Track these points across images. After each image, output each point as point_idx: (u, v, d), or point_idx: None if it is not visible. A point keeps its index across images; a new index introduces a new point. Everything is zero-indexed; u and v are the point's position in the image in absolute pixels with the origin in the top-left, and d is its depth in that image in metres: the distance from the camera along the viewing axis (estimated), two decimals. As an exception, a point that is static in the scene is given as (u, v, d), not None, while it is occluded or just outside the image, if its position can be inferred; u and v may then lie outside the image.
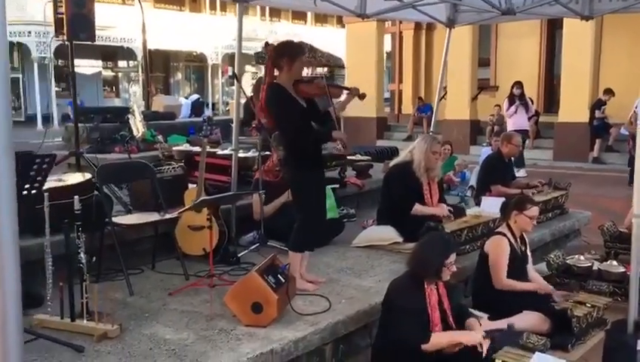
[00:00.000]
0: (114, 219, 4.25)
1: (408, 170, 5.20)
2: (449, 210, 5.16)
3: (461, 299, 3.71)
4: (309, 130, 4.12)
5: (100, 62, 31.91)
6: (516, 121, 11.78)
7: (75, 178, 4.57)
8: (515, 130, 11.68)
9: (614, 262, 4.86)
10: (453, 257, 3.43)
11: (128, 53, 29.27)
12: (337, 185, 6.32)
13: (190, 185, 5.52)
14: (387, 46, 19.21)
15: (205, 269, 4.52)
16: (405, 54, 18.40)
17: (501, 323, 4.06)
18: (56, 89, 29.35)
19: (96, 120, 7.51)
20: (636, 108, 9.74)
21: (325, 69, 8.70)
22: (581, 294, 4.31)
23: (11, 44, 27.63)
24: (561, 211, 6.45)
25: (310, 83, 4.23)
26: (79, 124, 7.76)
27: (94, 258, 4.31)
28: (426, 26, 17.36)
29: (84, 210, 4.24)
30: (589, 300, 4.19)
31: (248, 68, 28.69)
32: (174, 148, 6.64)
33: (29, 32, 26.99)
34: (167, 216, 4.06)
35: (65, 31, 5.05)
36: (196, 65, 33.28)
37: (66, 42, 5.29)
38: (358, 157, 7.58)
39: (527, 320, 4.06)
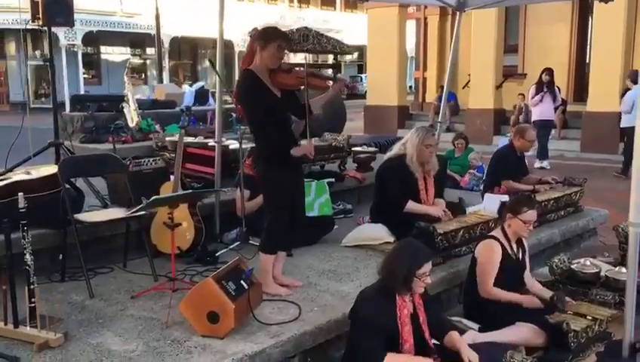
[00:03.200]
0: (80, 216, 4.01)
1: (402, 164, 4.84)
2: (444, 210, 4.78)
3: (439, 311, 3.36)
4: (283, 123, 3.79)
5: (128, 50, 32.01)
6: (542, 110, 11.24)
7: (44, 171, 4.34)
8: (540, 120, 11.23)
9: (624, 269, 4.41)
10: (426, 267, 3.08)
11: (153, 41, 29.26)
12: (333, 179, 5.98)
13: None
14: (411, 32, 18.70)
15: (180, 269, 4.29)
16: (430, 41, 17.85)
17: (491, 336, 3.73)
18: (85, 76, 29.64)
19: (92, 108, 7.30)
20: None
21: (331, 57, 8.35)
22: (582, 305, 3.91)
23: (40, 31, 27.81)
24: (574, 209, 6.00)
25: (288, 72, 3.89)
26: (74, 113, 7.63)
27: (61, 256, 4.13)
28: (451, 12, 16.79)
29: (52, 205, 4.04)
30: (590, 312, 3.79)
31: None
32: (167, 139, 6.39)
33: (58, 19, 27.07)
34: (128, 213, 3.78)
35: (40, 16, 4.80)
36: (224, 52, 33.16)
37: (42, 28, 5.02)
38: (362, 148, 7.24)
39: (520, 332, 3.70)
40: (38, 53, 30.13)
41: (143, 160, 4.90)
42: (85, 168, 4.21)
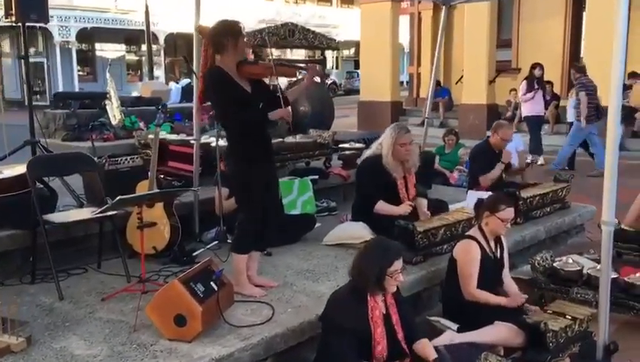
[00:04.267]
0: (50, 216, 3.93)
1: (378, 164, 4.74)
2: (412, 205, 4.67)
3: (412, 314, 3.28)
4: (253, 119, 3.70)
5: (123, 47, 31.88)
6: (533, 105, 11.14)
7: (17, 170, 4.25)
8: (531, 115, 11.14)
9: (605, 267, 4.34)
10: (397, 265, 3.01)
11: (150, 37, 29.08)
12: (317, 176, 5.90)
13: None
14: (405, 27, 18.61)
15: (154, 270, 4.22)
16: (424, 36, 17.74)
17: (469, 336, 3.66)
18: (80, 73, 29.54)
19: (74, 106, 7.21)
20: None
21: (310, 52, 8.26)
22: (561, 304, 3.83)
23: (35, 28, 27.79)
24: (561, 205, 5.92)
25: (255, 63, 3.82)
26: (57, 111, 7.54)
27: (32, 257, 4.06)
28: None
29: (23, 206, 3.96)
30: (570, 311, 3.71)
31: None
32: (150, 137, 6.29)
33: (52, 16, 26.91)
34: (94, 214, 3.70)
35: (14, 11, 4.71)
36: (220, 48, 32.97)
37: (15, 24, 4.92)
38: (350, 145, 7.15)
39: (498, 332, 3.63)
40: (32, 50, 30.05)
41: (119, 158, 4.82)
42: (55, 167, 4.12)
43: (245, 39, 3.67)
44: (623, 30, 2.99)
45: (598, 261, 4.80)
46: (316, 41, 7.43)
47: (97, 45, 30.71)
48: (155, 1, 22.47)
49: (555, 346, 3.49)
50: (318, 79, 4.32)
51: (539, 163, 10.97)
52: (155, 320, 3.15)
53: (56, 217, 3.93)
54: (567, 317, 3.63)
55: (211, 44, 3.65)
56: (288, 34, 7.07)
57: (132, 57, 32.74)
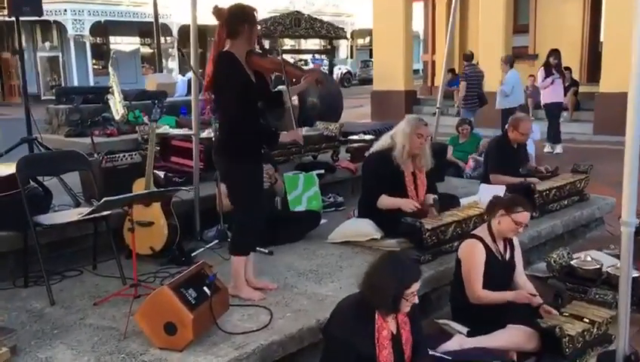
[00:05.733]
0: (39, 217, 3.78)
1: (386, 158, 4.52)
2: (415, 205, 4.44)
3: (422, 333, 3.04)
4: (256, 113, 3.52)
5: (137, 39, 31.81)
6: (551, 92, 10.83)
7: (7, 169, 4.10)
8: (550, 103, 10.83)
9: (626, 265, 4.09)
10: (415, 286, 2.73)
11: (164, 29, 28.97)
12: (323, 171, 5.69)
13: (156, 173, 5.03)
14: (420, 14, 18.28)
15: (152, 271, 4.07)
16: (438, 23, 17.39)
17: (480, 341, 3.45)
18: (95, 66, 29.54)
19: (77, 101, 7.08)
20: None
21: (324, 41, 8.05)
22: (578, 305, 3.61)
23: (49, 22, 27.84)
24: (579, 198, 5.66)
25: (264, 56, 3.64)
26: (59, 106, 7.42)
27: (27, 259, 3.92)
28: (460, -8, 16.37)
29: (15, 206, 3.82)
30: (588, 313, 3.49)
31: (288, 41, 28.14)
32: (153, 132, 6.14)
33: (65, 10, 27.01)
34: (80, 216, 3.53)
35: (6, 5, 4.56)
36: (232, 40, 32.80)
37: (10, 17, 4.77)
38: (359, 136, 6.95)
39: (510, 336, 3.42)
40: (47, 44, 30.13)
41: (117, 155, 4.66)
42: (45, 166, 3.97)
43: (258, 28, 3.52)
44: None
45: (618, 257, 4.56)
46: (323, 30, 7.24)
47: (111, 38, 30.69)
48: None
49: (572, 351, 3.28)
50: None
51: (556, 151, 10.68)
52: (145, 328, 2.99)
53: (47, 218, 3.78)
54: (584, 320, 3.41)
55: (226, 28, 3.46)
56: (294, 23, 6.87)
57: (147, 50, 32.65)
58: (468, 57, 11.36)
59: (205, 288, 3.12)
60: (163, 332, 2.94)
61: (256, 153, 3.53)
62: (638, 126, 2.71)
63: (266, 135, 3.63)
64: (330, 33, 7.24)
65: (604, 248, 4.79)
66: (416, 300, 2.76)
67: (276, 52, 3.87)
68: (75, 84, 26.91)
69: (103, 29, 29.13)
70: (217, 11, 3.55)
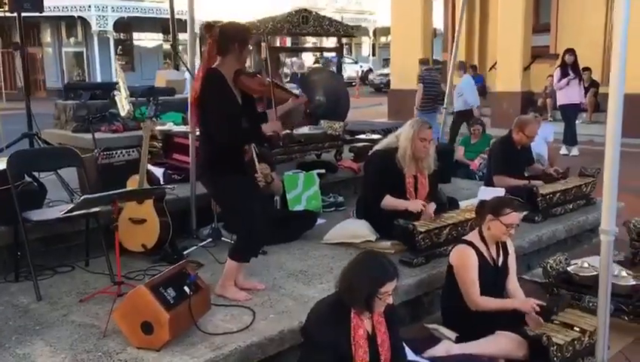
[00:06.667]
0: (30, 213, 3.79)
1: (390, 157, 4.47)
2: (423, 205, 4.38)
3: (398, 336, 2.98)
4: (239, 130, 3.49)
5: (160, 35, 32.01)
6: (568, 93, 10.63)
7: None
8: (567, 104, 10.63)
9: (624, 272, 3.99)
10: (390, 286, 2.68)
11: (185, 26, 29.13)
12: (324, 170, 5.65)
13: (152, 168, 5.04)
14: (440, 12, 18.10)
15: (142, 269, 4.07)
16: (458, 21, 17.17)
17: (468, 347, 3.38)
18: (118, 62, 29.82)
19: (84, 97, 7.12)
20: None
21: (333, 39, 8.00)
22: (571, 313, 3.51)
23: (74, 18, 28.18)
24: (586, 202, 5.53)
25: (252, 77, 3.60)
26: (67, 102, 7.47)
27: (19, 254, 3.94)
28: (481, -10, 16.19)
29: (6, 201, 3.84)
30: (580, 322, 3.39)
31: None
32: (157, 128, 6.14)
33: (89, 7, 27.31)
34: (61, 213, 3.52)
35: (7, 1, 4.58)
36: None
37: (11, 13, 4.80)
38: (366, 136, 6.88)
39: (499, 343, 3.35)
40: (72, 40, 30.51)
41: (114, 152, 4.66)
42: (37, 162, 3.98)
43: (250, 47, 3.48)
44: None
45: (621, 263, 4.46)
46: (332, 28, 7.17)
47: (135, 35, 30.93)
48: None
49: (560, 360, 3.19)
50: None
51: (572, 154, 10.48)
52: (123, 327, 2.98)
53: (36, 214, 3.79)
54: (575, 329, 3.32)
55: (216, 45, 3.43)
56: (302, 20, 6.83)
57: (169, 46, 32.87)
58: (424, 61, 11.76)
59: (186, 287, 3.10)
60: (140, 331, 2.92)
61: (237, 163, 3.49)
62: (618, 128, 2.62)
63: (250, 135, 3.56)
64: (339, 31, 7.16)
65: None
66: (390, 300, 2.72)
67: (264, 62, 3.84)
68: (99, 79, 27.19)
69: (127, 25, 29.38)
70: (208, 28, 3.54)
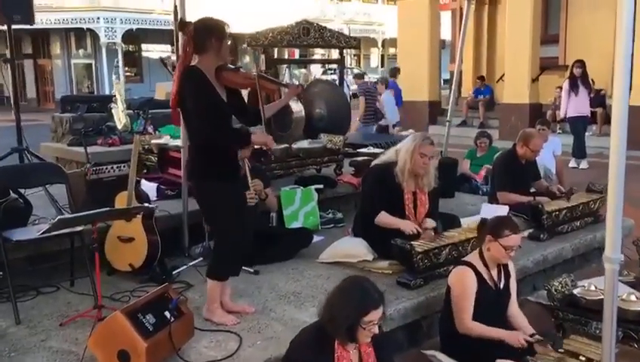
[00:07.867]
0: (10, 232, 3.65)
1: (389, 172, 4.30)
2: (416, 227, 4.17)
3: (391, 359, 2.81)
4: (227, 130, 3.34)
5: (168, 47, 32.07)
6: (576, 105, 10.43)
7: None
8: (574, 116, 10.42)
9: (634, 296, 3.78)
10: (375, 315, 2.51)
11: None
12: (322, 186, 5.48)
13: (146, 183, 4.90)
14: (447, 24, 17.97)
15: (128, 289, 3.91)
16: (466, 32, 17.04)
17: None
18: (127, 74, 29.90)
19: (81, 109, 7.02)
20: None
21: (336, 51, 7.84)
22: (577, 340, 3.31)
23: (83, 30, 28.32)
24: (594, 219, 5.33)
25: (236, 71, 3.45)
26: (64, 114, 7.37)
27: (0, 274, 3.79)
28: (488, 1, 16.01)
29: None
30: (586, 350, 3.20)
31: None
32: (153, 142, 6.02)
33: (98, 18, 27.44)
34: (38, 234, 3.37)
35: (-4, 13, 4.49)
36: (264, 48, 32.88)
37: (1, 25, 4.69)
38: (368, 150, 6.72)
39: (500, 374, 3.15)
40: (81, 51, 30.67)
41: (104, 167, 4.52)
42: (19, 179, 3.85)
43: (229, 42, 3.33)
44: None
45: (632, 284, 4.25)
46: (334, 40, 7.01)
47: (143, 46, 31.05)
48: (193, 2, 22.42)
49: (565, 392, 3.00)
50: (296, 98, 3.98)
51: (581, 167, 10.27)
52: (99, 355, 2.83)
53: (17, 233, 3.65)
54: (580, 358, 3.12)
55: (192, 43, 3.28)
56: (303, 32, 6.68)
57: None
58: (359, 76, 12.59)
59: (167, 313, 2.94)
60: (116, 360, 2.76)
61: (227, 170, 3.33)
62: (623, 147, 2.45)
63: (237, 135, 3.39)
64: (341, 42, 7.01)
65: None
66: (376, 330, 2.53)
67: (257, 68, 3.69)
68: (107, 90, 27.26)
69: (135, 36, 29.50)
70: (182, 26, 3.40)
